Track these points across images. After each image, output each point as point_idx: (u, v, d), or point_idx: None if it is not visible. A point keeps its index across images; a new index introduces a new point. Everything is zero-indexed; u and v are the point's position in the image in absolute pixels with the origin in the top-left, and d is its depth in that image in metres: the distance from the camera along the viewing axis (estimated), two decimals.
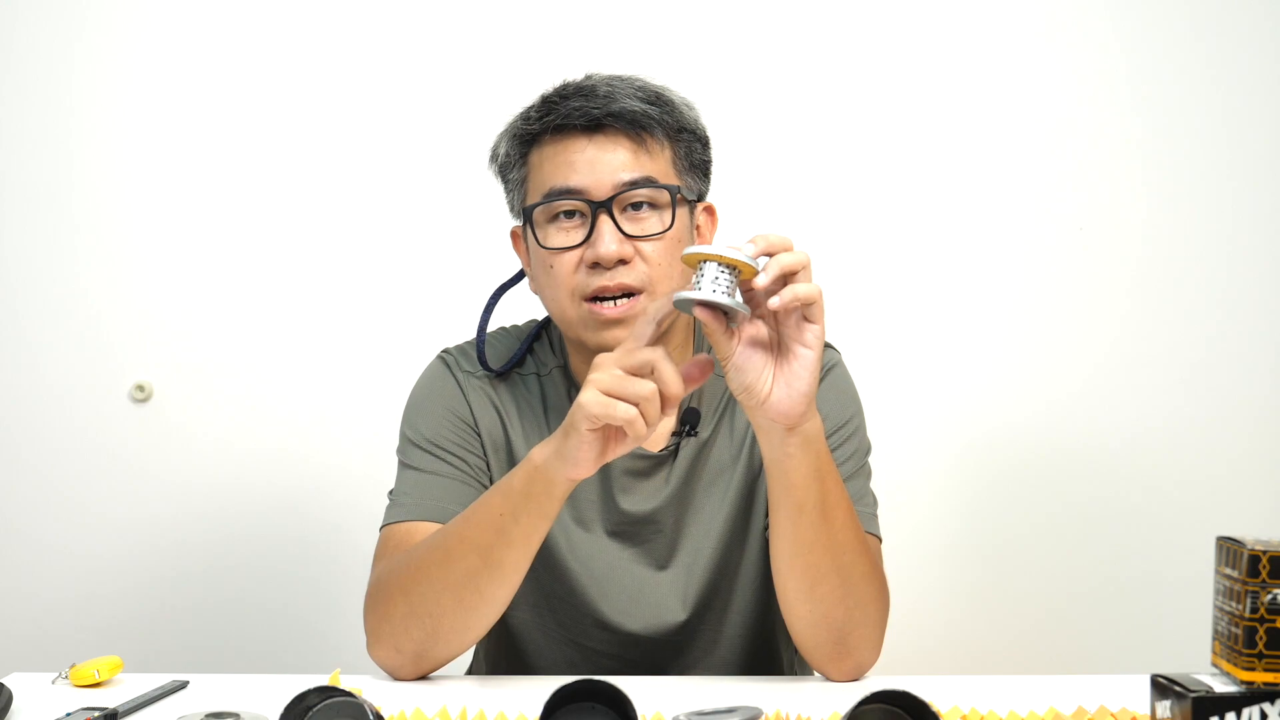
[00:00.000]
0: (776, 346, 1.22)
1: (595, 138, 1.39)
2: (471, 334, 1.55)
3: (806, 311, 1.18)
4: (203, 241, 2.29)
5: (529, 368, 1.53)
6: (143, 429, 2.29)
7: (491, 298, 1.54)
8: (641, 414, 1.19)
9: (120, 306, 2.28)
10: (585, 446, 1.22)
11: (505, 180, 1.48)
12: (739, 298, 1.17)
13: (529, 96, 1.47)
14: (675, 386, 1.19)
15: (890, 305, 2.31)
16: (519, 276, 1.53)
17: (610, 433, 1.23)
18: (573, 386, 1.49)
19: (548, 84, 1.46)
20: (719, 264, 1.15)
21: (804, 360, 1.20)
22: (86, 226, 2.28)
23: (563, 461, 1.24)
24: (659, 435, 1.49)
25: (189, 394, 2.29)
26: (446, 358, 1.54)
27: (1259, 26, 2.31)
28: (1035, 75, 2.30)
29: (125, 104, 2.27)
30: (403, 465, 1.49)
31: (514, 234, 1.51)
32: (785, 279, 1.16)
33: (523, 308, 1.59)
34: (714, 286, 1.16)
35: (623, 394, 1.18)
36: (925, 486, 2.32)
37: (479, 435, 1.48)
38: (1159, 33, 2.31)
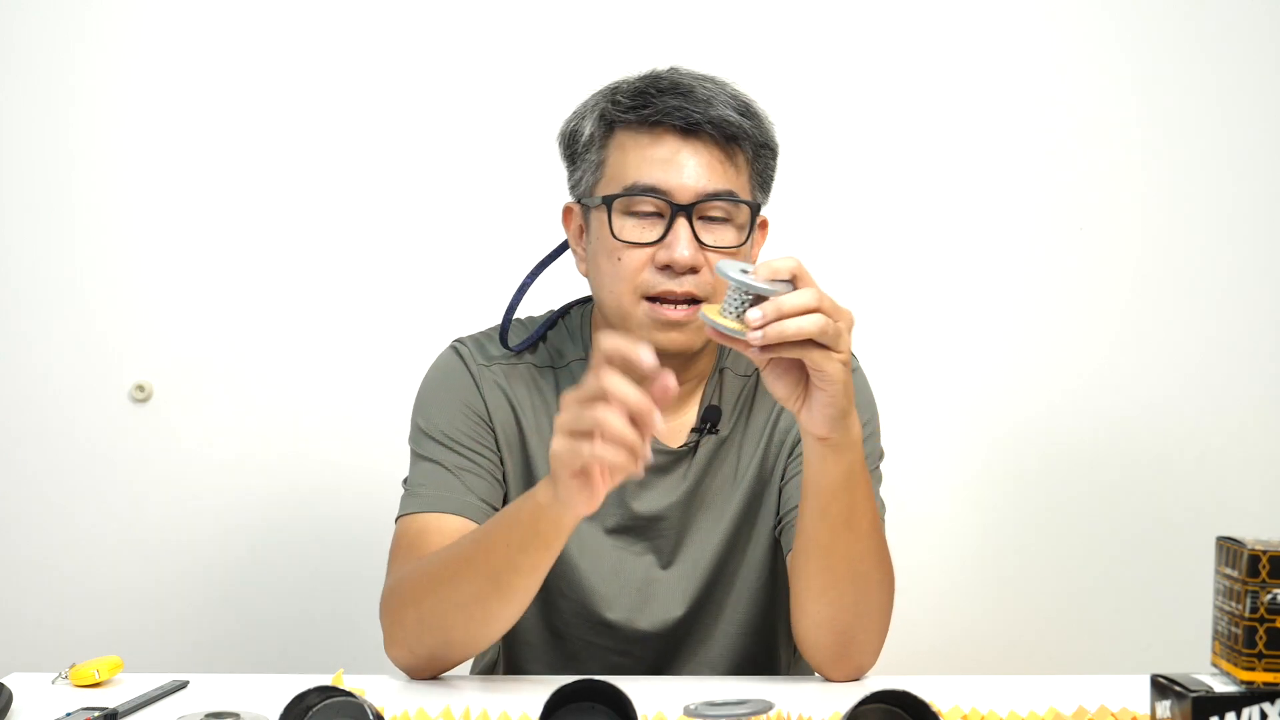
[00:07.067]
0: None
1: (689, 141, 1.39)
2: (479, 327, 1.54)
3: (824, 340, 1.15)
4: (203, 240, 2.28)
5: (543, 359, 1.51)
6: (143, 429, 2.28)
7: (531, 273, 1.51)
8: (615, 440, 1.11)
9: (120, 306, 2.28)
10: (575, 492, 1.17)
11: (577, 158, 1.46)
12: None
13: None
14: (637, 400, 1.11)
15: (890, 308, 2.30)
16: (561, 249, 1.52)
17: (595, 469, 1.15)
18: None
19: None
20: (737, 289, 1.16)
21: (825, 387, 1.18)
22: (86, 226, 2.28)
23: (563, 506, 1.21)
24: (679, 430, 1.49)
25: (189, 394, 2.29)
26: (460, 348, 1.52)
27: (1259, 27, 2.31)
28: (1036, 77, 2.30)
29: (125, 103, 2.27)
30: (416, 455, 1.47)
31: (567, 209, 1.49)
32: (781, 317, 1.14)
33: (551, 294, 1.58)
34: (731, 311, 1.17)
35: (581, 427, 1.12)
36: (924, 488, 2.31)
37: (493, 429, 1.47)
38: (1159, 33, 2.30)
